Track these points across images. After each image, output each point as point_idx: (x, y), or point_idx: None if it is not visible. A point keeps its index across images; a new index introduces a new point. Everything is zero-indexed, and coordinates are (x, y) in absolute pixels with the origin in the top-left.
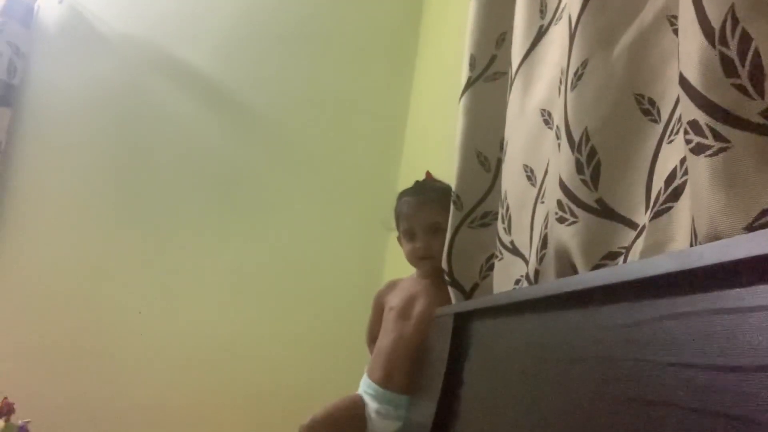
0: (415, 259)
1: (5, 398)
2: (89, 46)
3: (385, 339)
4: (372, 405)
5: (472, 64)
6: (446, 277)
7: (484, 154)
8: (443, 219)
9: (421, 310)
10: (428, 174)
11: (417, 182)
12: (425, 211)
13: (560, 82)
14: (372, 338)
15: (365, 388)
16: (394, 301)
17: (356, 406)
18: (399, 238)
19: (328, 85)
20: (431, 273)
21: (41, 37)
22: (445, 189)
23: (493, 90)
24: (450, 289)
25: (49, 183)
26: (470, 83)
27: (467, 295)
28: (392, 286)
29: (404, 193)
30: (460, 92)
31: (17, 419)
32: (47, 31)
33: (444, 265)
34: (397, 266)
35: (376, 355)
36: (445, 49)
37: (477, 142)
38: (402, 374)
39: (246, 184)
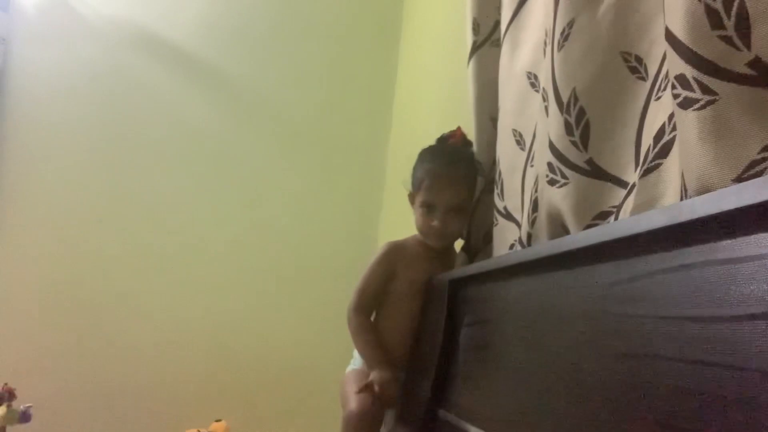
0: (428, 234)
1: (6, 384)
2: (70, 28)
3: (403, 317)
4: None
5: (476, 29)
6: (464, 243)
7: (497, 119)
8: (467, 200)
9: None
10: (458, 131)
11: (447, 144)
12: (452, 191)
13: (545, 44)
14: (371, 301)
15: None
16: (413, 273)
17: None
18: (411, 196)
19: (314, 55)
20: (443, 248)
21: (20, 20)
22: (473, 159)
23: (499, 55)
24: (461, 253)
25: (37, 167)
26: (476, 48)
27: (471, 260)
28: (400, 250)
29: (431, 158)
30: (467, 57)
31: (19, 404)
32: (26, 14)
33: (464, 232)
34: (390, 235)
35: (394, 331)
36: (431, 14)
37: (489, 108)
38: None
39: (236, 158)
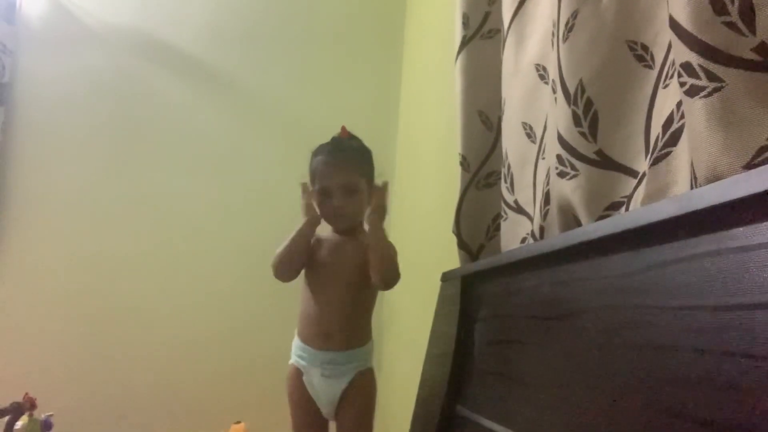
0: (333, 216)
1: (27, 393)
2: (75, 38)
3: (319, 302)
4: (314, 370)
5: (466, 23)
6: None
7: (485, 113)
8: (358, 180)
9: (349, 273)
10: (343, 129)
11: (333, 138)
12: (342, 172)
13: (552, 35)
14: (290, 260)
15: (301, 353)
16: (323, 257)
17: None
18: (314, 194)
19: (318, 58)
20: (347, 231)
21: (26, 32)
22: (360, 148)
23: (490, 47)
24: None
25: (46, 176)
26: (465, 42)
27: (474, 256)
28: (319, 241)
29: (320, 151)
30: (455, 52)
31: (40, 414)
32: (32, 26)
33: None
34: (399, 235)
35: (311, 321)
36: (434, 13)
37: (477, 102)
38: (341, 334)
39: (243, 162)
